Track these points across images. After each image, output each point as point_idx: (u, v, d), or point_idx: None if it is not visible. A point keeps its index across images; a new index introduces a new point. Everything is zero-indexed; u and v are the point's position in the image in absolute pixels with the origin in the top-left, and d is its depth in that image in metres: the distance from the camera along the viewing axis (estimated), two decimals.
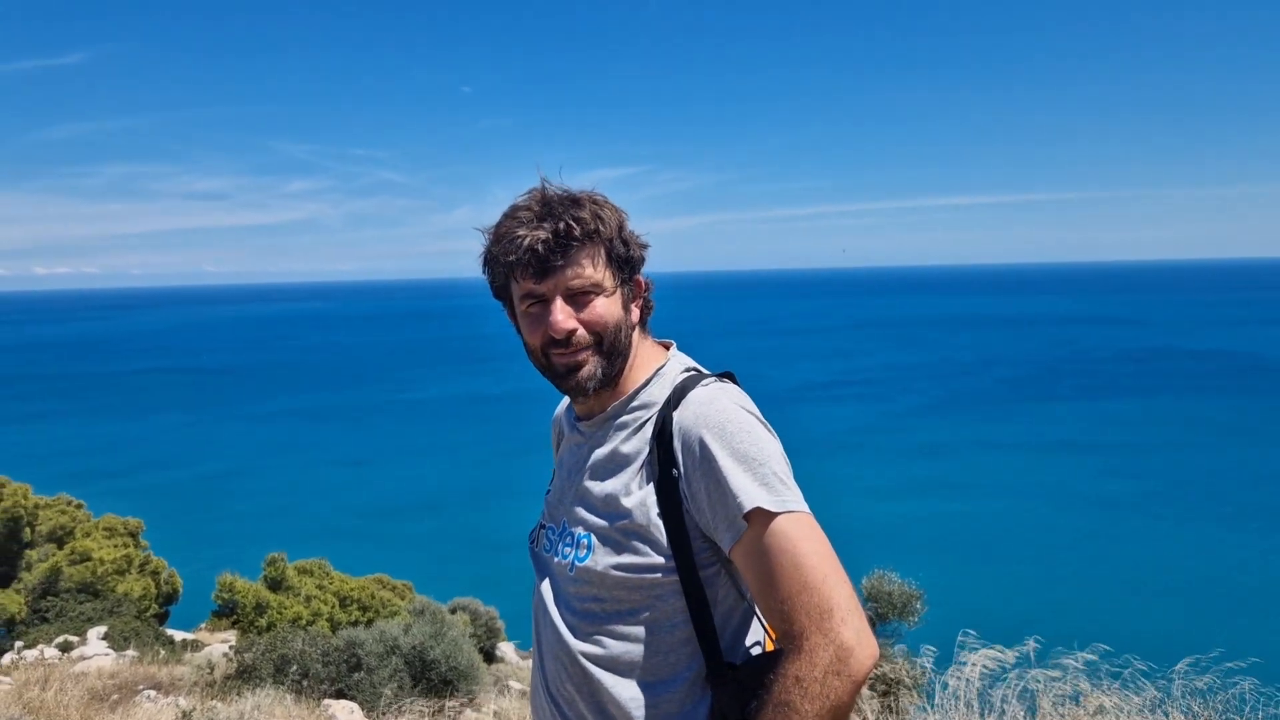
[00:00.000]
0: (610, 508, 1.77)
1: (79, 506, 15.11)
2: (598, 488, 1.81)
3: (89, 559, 13.55)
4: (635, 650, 1.74)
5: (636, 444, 1.79)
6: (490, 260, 1.84)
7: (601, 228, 1.78)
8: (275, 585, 14.14)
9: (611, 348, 1.81)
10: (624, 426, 1.83)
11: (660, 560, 1.71)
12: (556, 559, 1.87)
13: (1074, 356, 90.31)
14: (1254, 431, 51.70)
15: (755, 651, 1.78)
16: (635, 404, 1.84)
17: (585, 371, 1.81)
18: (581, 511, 1.83)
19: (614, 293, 1.81)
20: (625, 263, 1.83)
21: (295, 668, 9.16)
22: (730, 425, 1.68)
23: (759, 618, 1.81)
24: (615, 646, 1.75)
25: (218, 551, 28.95)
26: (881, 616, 6.93)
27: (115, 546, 14.06)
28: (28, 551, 13.83)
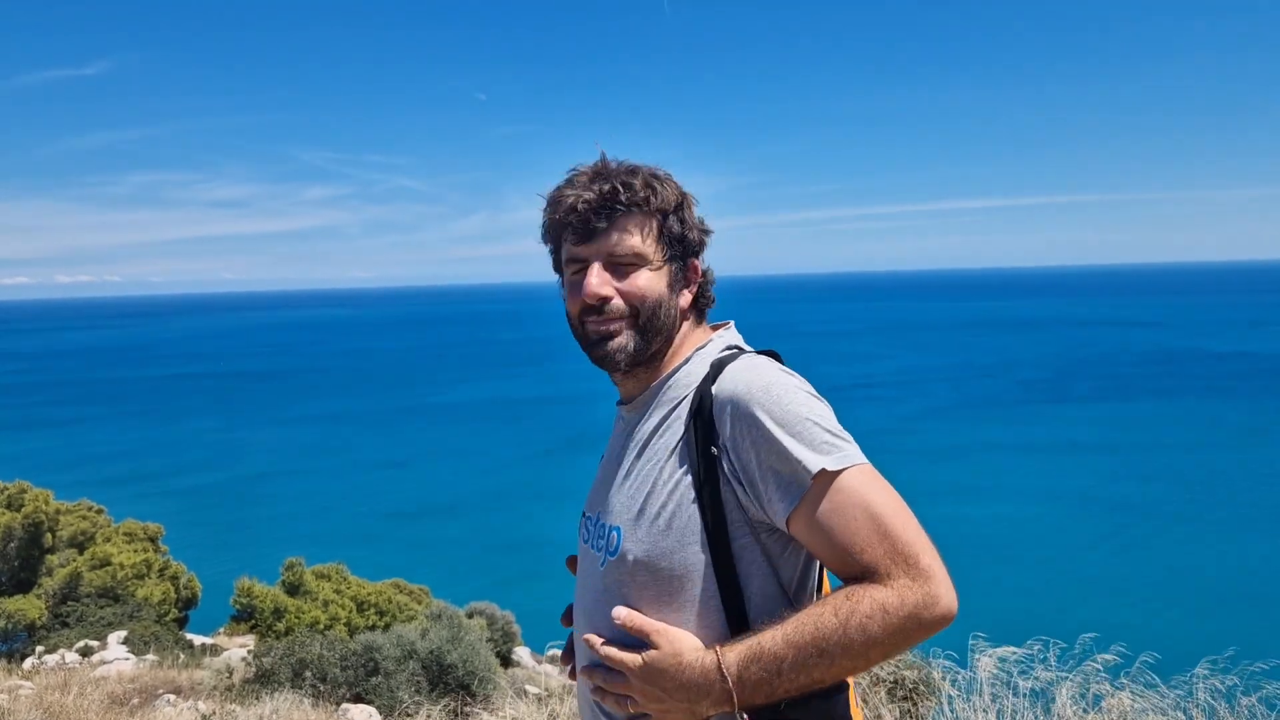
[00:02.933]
0: (641, 496, 1.70)
1: (99, 512, 15.21)
2: (630, 475, 1.75)
3: (109, 564, 13.63)
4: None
5: (672, 425, 1.72)
6: (544, 226, 1.82)
7: (653, 198, 1.73)
8: (293, 590, 14.19)
9: (648, 324, 1.75)
10: (660, 407, 1.76)
11: (693, 550, 1.63)
12: (592, 551, 1.80)
13: (1093, 359, 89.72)
14: (1273, 432, 51.21)
15: None
16: (671, 383, 1.78)
17: (616, 343, 1.74)
18: (614, 501, 1.76)
19: (660, 268, 1.76)
20: (678, 241, 1.78)
21: (313, 672, 9.19)
22: (775, 389, 1.60)
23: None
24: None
25: (239, 556, 29.12)
26: None
27: (135, 551, 14.14)
28: (48, 557, 13.93)
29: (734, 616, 1.63)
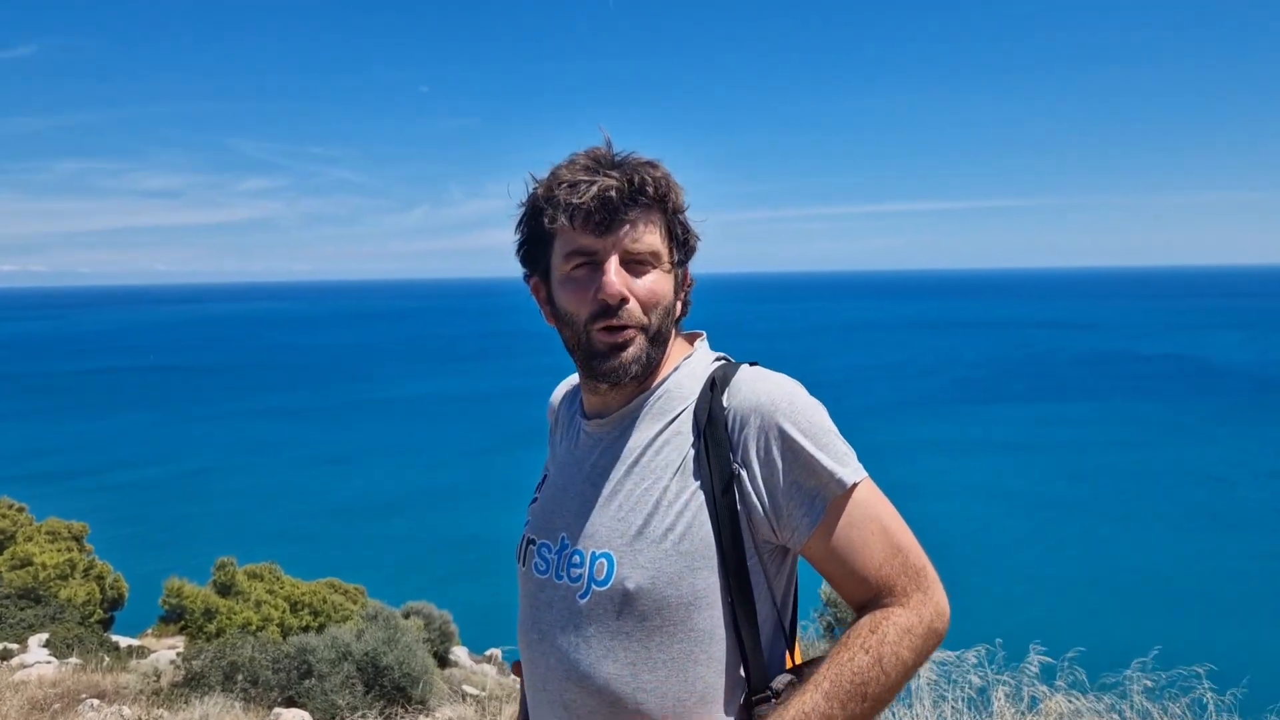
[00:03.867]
0: (639, 517, 1.54)
1: (20, 510, 14.71)
2: (618, 495, 1.57)
3: (30, 564, 13.18)
4: (670, 679, 1.50)
5: (671, 440, 1.58)
6: (537, 211, 1.58)
7: (671, 196, 1.60)
8: (225, 590, 13.87)
9: (659, 333, 1.60)
10: (650, 421, 1.61)
11: (705, 574, 1.51)
12: (559, 582, 1.59)
13: (1030, 359, 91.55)
14: (1195, 431, 52.70)
15: (787, 680, 1.53)
16: (662, 395, 1.62)
17: (630, 353, 1.56)
18: (596, 525, 1.57)
19: (670, 271, 1.62)
20: (682, 245, 1.65)
21: (244, 675, 8.96)
22: (798, 401, 1.54)
23: (785, 636, 1.61)
24: (647, 678, 1.50)
25: (171, 555, 28.48)
26: (840, 621, 6.91)
27: (58, 551, 13.70)
28: None
29: (743, 640, 1.53)
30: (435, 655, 12.79)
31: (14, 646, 11.60)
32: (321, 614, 14.37)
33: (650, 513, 1.53)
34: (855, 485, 1.51)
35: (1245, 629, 24.17)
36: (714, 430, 1.53)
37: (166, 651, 11.62)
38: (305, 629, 13.62)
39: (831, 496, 1.49)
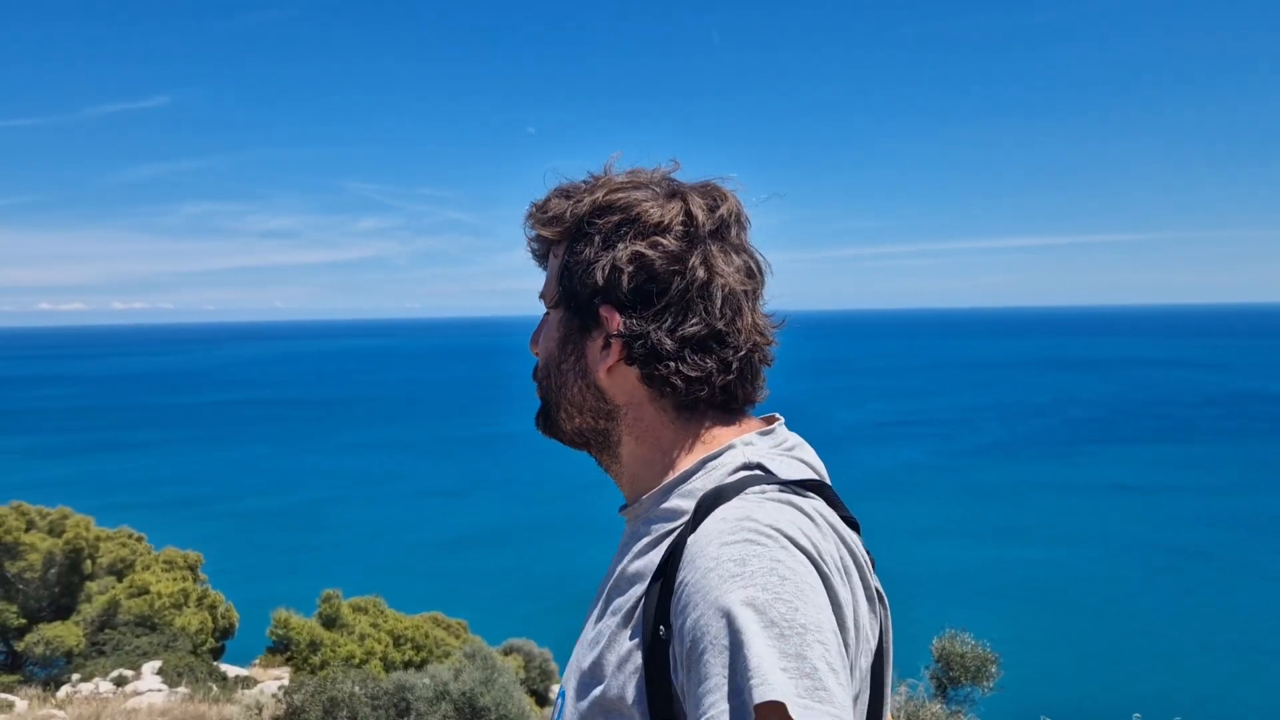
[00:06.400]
0: (589, 660, 1.19)
1: (139, 539, 15.21)
2: (595, 625, 1.23)
3: (147, 592, 13.58)
4: None
5: (641, 574, 1.18)
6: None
7: (567, 214, 1.27)
8: (330, 622, 14.04)
9: (542, 394, 1.35)
10: (644, 537, 1.22)
11: None
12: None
13: (1153, 400, 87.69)
14: None
15: None
16: (660, 508, 1.22)
17: (538, 415, 1.37)
18: (574, 654, 1.24)
19: (553, 310, 1.31)
20: (566, 275, 1.27)
21: (345, 711, 8.97)
22: (751, 565, 1.01)
23: None
24: None
25: (280, 585, 29.19)
26: (954, 680, 6.48)
27: (174, 580, 14.09)
28: (88, 584, 13.92)
29: None
30: (534, 693, 12.67)
31: (129, 673, 11.92)
32: (424, 649, 14.41)
33: (596, 660, 1.17)
34: None
35: None
36: (666, 576, 1.11)
37: (271, 683, 11.77)
38: (407, 664, 13.68)
39: (740, 714, 0.95)
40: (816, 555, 1.06)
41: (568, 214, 1.26)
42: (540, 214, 1.29)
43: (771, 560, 1.02)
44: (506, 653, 13.14)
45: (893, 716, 1.34)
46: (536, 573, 36.50)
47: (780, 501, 1.11)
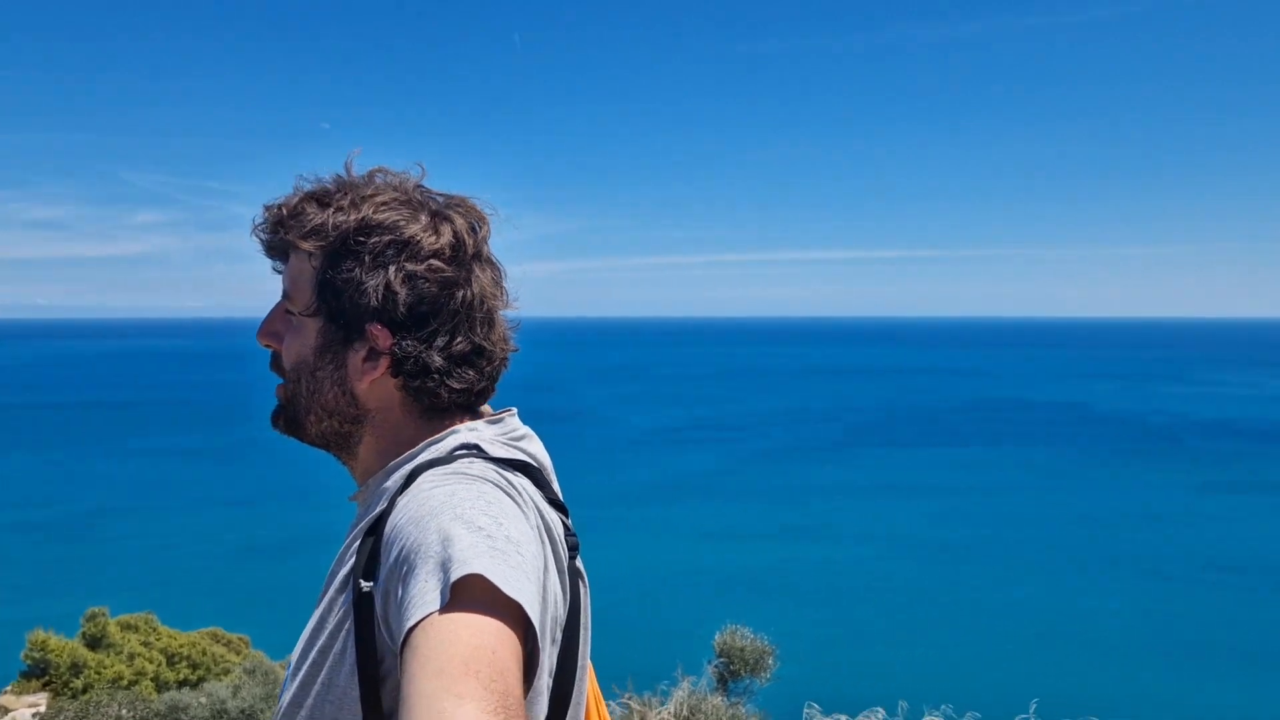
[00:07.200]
0: (308, 631, 1.27)
1: None
2: (316, 608, 1.30)
3: None
4: None
5: (351, 549, 1.25)
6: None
7: (329, 228, 1.28)
8: (95, 643, 13.11)
9: (288, 394, 1.37)
10: (361, 519, 1.31)
11: (351, 710, 1.16)
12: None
13: (924, 405, 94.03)
14: (1078, 476, 54.74)
15: None
16: (382, 487, 1.29)
17: (274, 413, 1.41)
18: (302, 634, 1.30)
19: (308, 318, 1.32)
20: (329, 289, 1.28)
21: None
22: (459, 496, 1.12)
23: None
24: None
25: (40, 605, 26.93)
26: (734, 674, 6.82)
27: None
28: None
29: None
30: None
31: None
32: (201, 666, 13.70)
33: (314, 628, 1.25)
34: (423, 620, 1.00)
35: (1123, 672, 24.92)
36: (377, 532, 1.18)
37: (26, 710, 10.90)
38: (183, 683, 12.96)
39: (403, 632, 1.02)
40: (518, 502, 1.17)
41: (329, 227, 1.28)
42: (294, 222, 1.31)
43: (479, 492, 1.14)
44: (287, 667, 12.66)
45: (596, 693, 1.48)
46: (319, 586, 35.24)
47: (486, 472, 1.20)
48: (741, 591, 30.88)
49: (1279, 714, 21.80)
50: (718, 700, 6.23)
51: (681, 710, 6.08)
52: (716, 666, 6.88)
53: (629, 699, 6.50)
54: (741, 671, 6.74)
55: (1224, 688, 23.38)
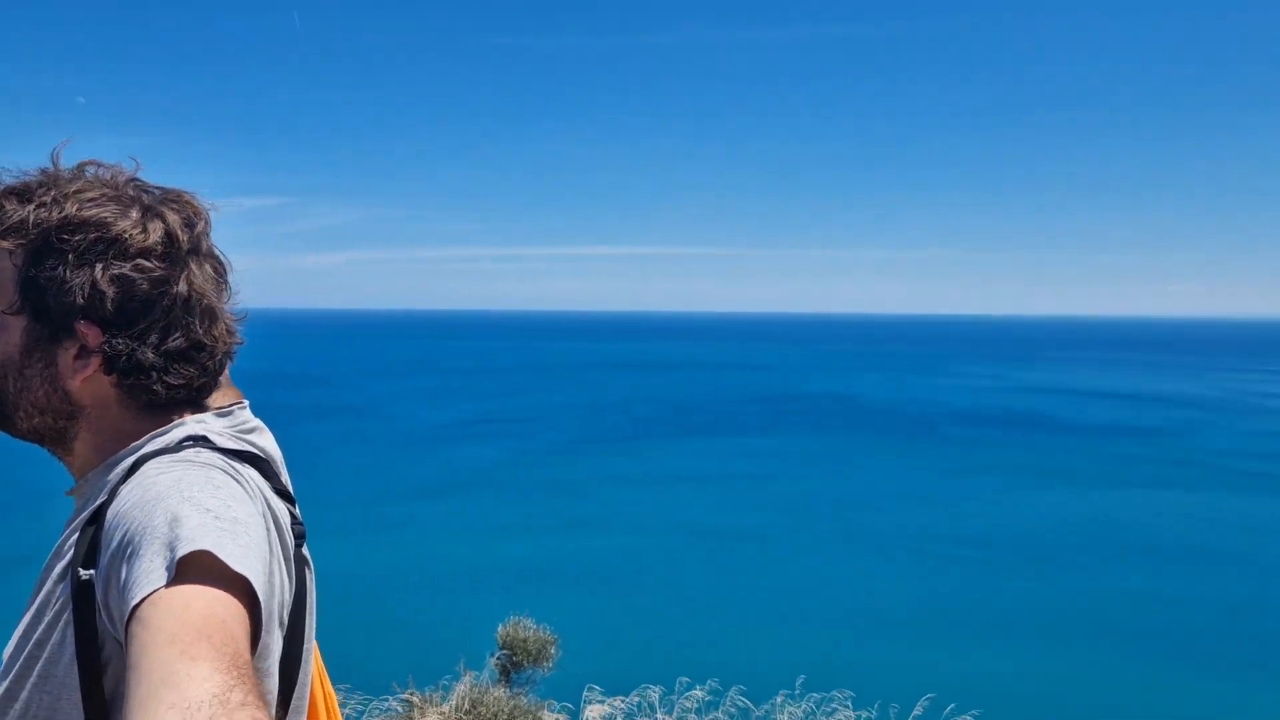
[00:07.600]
0: (22, 626, 1.21)
1: None
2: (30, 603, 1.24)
3: None
4: None
5: (70, 541, 1.22)
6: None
7: (30, 224, 1.23)
8: None
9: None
10: (80, 513, 1.27)
11: (69, 700, 1.13)
12: None
13: (709, 398, 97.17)
14: (849, 461, 58.18)
15: None
16: (104, 479, 1.25)
17: None
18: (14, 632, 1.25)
19: (11, 316, 1.25)
20: (33, 288, 1.23)
21: None
22: (186, 480, 1.13)
23: None
24: None
25: None
26: (517, 665, 6.85)
27: None
28: None
29: None
30: None
31: None
32: None
33: (30, 620, 1.20)
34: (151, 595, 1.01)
35: (885, 643, 26.69)
36: (98, 520, 1.17)
37: None
38: None
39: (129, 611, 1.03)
40: (245, 489, 1.19)
41: (30, 224, 1.23)
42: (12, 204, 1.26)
43: (205, 476, 1.16)
44: None
45: (321, 672, 1.51)
46: None
47: (212, 462, 1.21)
48: (527, 584, 30.91)
49: (1025, 669, 23.97)
50: (500, 692, 6.24)
51: (463, 704, 6.05)
52: (499, 659, 6.89)
53: (410, 695, 6.41)
54: (524, 662, 6.79)
55: (978, 652, 25.48)
